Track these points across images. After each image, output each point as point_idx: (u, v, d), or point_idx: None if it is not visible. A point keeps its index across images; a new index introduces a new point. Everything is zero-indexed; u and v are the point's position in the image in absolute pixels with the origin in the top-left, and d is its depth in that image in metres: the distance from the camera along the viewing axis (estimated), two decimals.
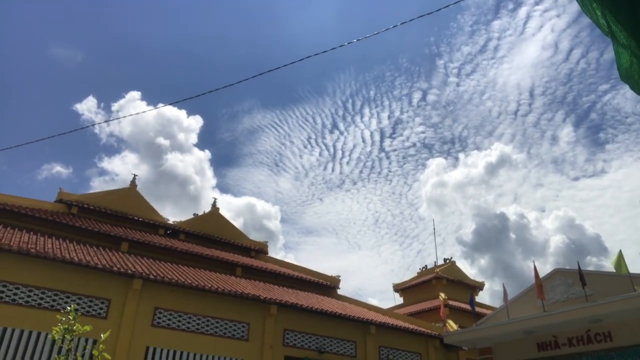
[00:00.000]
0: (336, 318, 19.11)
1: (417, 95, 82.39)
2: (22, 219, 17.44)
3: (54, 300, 14.04)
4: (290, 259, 76.50)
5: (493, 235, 61.20)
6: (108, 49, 70.65)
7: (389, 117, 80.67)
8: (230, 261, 21.28)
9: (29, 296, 13.74)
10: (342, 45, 10.07)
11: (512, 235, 64.47)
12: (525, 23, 69.76)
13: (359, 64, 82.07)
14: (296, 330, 18.32)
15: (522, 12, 70.15)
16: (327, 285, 24.14)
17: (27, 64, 61.55)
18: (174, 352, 15.42)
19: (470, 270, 77.95)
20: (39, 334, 13.44)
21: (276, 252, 75.23)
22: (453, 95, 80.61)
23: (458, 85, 79.71)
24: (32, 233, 16.55)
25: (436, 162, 77.73)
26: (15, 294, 13.57)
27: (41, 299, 13.89)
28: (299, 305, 18.02)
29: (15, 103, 62.59)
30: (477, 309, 25.01)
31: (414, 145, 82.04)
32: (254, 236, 28.56)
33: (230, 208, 62.38)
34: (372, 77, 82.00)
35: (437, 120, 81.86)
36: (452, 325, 23.19)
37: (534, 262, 17.13)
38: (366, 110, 79.91)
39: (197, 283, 16.16)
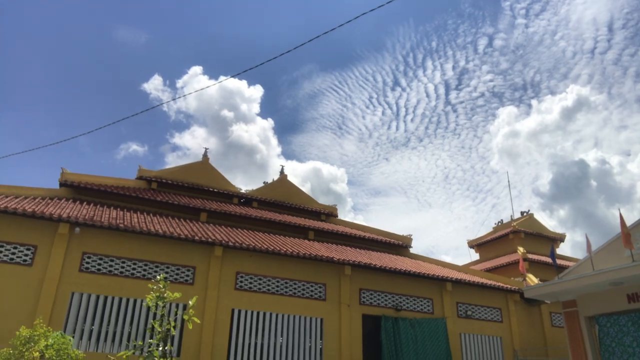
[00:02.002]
0: (410, 276, 19.18)
1: (482, 42, 78.22)
2: (108, 196, 18.80)
3: (144, 270, 15.16)
4: (359, 220, 77.14)
5: (572, 184, 58.07)
6: (167, 27, 72.59)
7: (454, 68, 77.39)
8: (302, 225, 21.82)
9: (122, 267, 14.92)
10: None
11: (594, 183, 60.84)
12: None
13: (418, 15, 78.87)
14: (371, 290, 18.63)
15: None
16: (399, 245, 24.18)
17: (95, 48, 64.78)
18: (258, 313, 16.27)
19: (549, 222, 74.80)
20: (135, 301, 14.65)
21: (345, 215, 75.93)
22: (522, 38, 75.68)
23: (527, 26, 74.62)
24: (119, 209, 17.82)
25: (507, 111, 74.22)
26: (110, 266, 14.79)
27: (133, 269, 15.04)
28: (372, 265, 18.25)
29: (89, 87, 66.43)
30: (559, 261, 24.09)
31: (483, 95, 78.50)
32: (322, 200, 28.99)
33: (297, 174, 63.50)
34: (433, 27, 78.62)
35: (506, 66, 77.50)
36: (532, 279, 22.57)
37: (619, 209, 16.16)
38: (429, 63, 77.14)
39: (274, 248, 16.77)
